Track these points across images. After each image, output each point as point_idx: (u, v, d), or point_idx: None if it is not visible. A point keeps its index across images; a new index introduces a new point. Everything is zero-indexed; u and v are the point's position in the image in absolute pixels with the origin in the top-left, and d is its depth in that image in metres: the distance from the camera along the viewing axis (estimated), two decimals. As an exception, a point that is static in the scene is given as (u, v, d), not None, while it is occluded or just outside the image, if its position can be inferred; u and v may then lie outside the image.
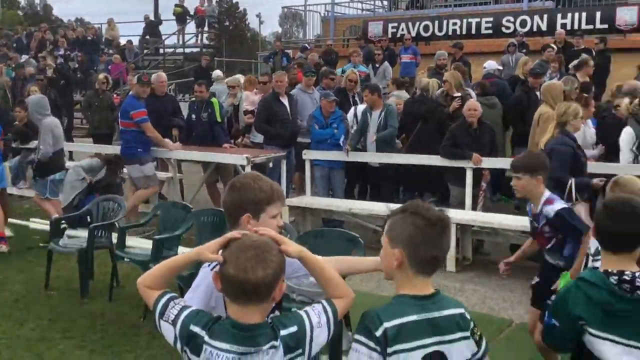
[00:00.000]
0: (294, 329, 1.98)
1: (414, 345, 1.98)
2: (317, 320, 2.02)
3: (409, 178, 7.93)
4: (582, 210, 5.08)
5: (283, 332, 1.96)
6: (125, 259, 5.72)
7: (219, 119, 8.57)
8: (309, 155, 8.10)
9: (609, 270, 2.43)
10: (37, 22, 28.16)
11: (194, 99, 8.84)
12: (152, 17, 23.06)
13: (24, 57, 18.89)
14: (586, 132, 6.86)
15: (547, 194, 3.99)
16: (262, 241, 1.99)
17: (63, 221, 6.49)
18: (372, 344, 1.96)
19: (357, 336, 2.01)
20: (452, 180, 7.33)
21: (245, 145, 9.20)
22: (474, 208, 7.20)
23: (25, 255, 7.17)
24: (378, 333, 1.96)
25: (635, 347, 2.39)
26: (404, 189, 8.33)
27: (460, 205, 7.19)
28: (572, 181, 5.19)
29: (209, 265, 2.32)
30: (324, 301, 2.06)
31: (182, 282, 5.13)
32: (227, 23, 67.96)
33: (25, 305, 5.72)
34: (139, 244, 6.18)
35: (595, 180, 5.20)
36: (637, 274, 2.40)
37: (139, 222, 6.58)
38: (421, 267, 2.05)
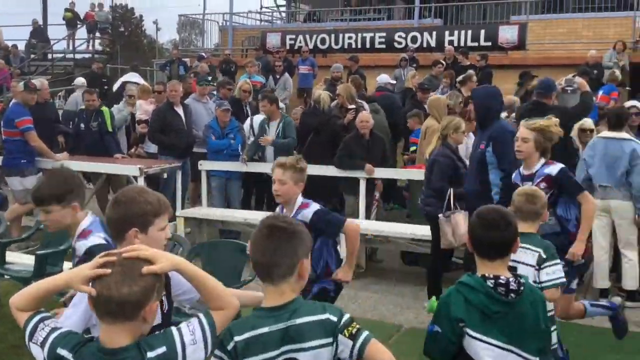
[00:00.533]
0: (162, 349, 1.88)
1: (261, 358, 2.03)
2: (190, 338, 1.92)
3: (305, 188, 8.00)
4: (460, 218, 5.40)
5: (150, 355, 1.86)
6: (5, 276, 5.40)
7: (109, 129, 8.29)
8: (205, 165, 8.00)
9: (486, 275, 2.59)
10: None
11: (82, 107, 8.49)
12: (40, 21, 21.98)
13: None
14: (469, 144, 7.24)
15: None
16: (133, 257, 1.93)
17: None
18: (225, 357, 2.04)
19: (215, 350, 2.05)
20: (346, 190, 7.50)
21: (139, 156, 8.96)
22: (368, 217, 7.39)
23: None
24: (229, 347, 2.03)
25: (508, 350, 2.56)
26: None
27: (355, 214, 7.36)
28: (451, 191, 5.51)
29: None
30: (200, 314, 2.00)
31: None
32: (122, 29, 66.00)
33: None
34: (21, 260, 5.86)
35: None
36: (510, 279, 2.58)
37: (21, 237, 6.23)
38: (259, 274, 2.13)
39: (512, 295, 2.53)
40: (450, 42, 15.00)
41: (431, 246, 5.95)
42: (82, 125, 8.39)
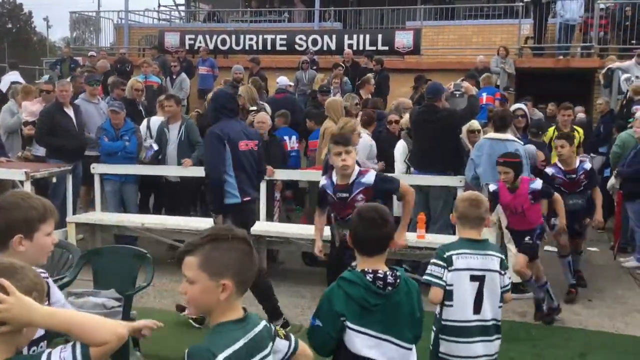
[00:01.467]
0: None
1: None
2: None
3: (203, 192, 7.90)
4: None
5: None
6: None
7: (-9, 131, 7.78)
8: (98, 169, 7.69)
9: (365, 269, 2.71)
10: None
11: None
12: None
13: None
14: (373, 146, 7.40)
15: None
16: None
17: None
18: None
19: None
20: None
21: (26, 159, 8.46)
22: (269, 218, 7.38)
23: None
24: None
25: (385, 340, 2.71)
26: (201, 201, 8.27)
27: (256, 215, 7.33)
28: None
29: None
30: (77, 342, 1.86)
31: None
32: (9, 25, 62.28)
33: None
34: None
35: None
36: (388, 273, 2.71)
37: None
38: (243, 290, 2.06)
39: (390, 288, 2.67)
40: (350, 46, 15.29)
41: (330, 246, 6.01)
42: (-39, 127, 7.82)
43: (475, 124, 7.10)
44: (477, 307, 3.37)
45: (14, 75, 11.44)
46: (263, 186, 7.20)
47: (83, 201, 8.57)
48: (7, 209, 2.26)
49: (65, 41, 28.55)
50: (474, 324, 3.38)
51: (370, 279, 2.68)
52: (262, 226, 7.02)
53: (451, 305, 3.37)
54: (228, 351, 1.96)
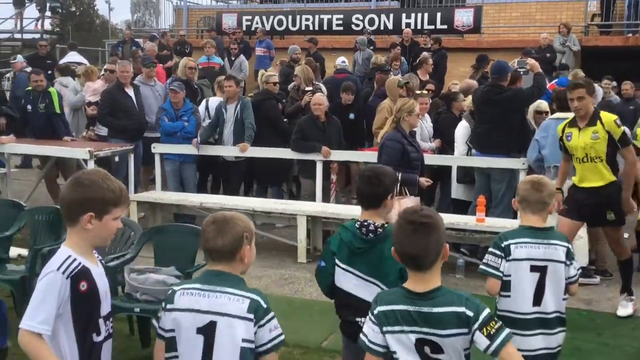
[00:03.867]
0: None
1: (397, 329, 2.33)
2: None
3: (260, 171, 7.93)
4: (407, 204, 5.38)
5: None
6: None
7: (57, 110, 7.99)
8: (158, 148, 7.82)
9: (359, 220, 3.12)
10: None
11: (29, 88, 8.18)
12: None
13: None
14: (424, 127, 7.25)
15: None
16: None
17: None
18: (374, 320, 2.38)
19: (369, 312, 2.42)
20: (303, 173, 7.45)
21: (90, 139, 8.71)
22: (326, 200, 7.36)
23: None
24: (375, 311, 2.38)
25: (370, 282, 3.05)
26: (257, 182, 8.32)
27: (312, 197, 7.33)
28: (399, 175, 5.46)
29: (58, 269, 2.23)
30: None
31: (14, 286, 4.76)
32: (73, 9, 64.07)
33: None
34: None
35: (422, 180, 5.52)
36: (377, 224, 3.05)
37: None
38: (406, 263, 2.38)
39: (371, 235, 3.04)
40: (407, 25, 14.99)
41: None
42: (29, 107, 8.08)
43: (543, 104, 6.83)
44: (537, 298, 3.20)
45: (73, 56, 11.72)
46: (319, 167, 7.18)
47: (143, 180, 8.74)
48: (86, 186, 2.29)
49: (126, 24, 29.13)
50: (533, 316, 3.20)
51: (358, 226, 3.08)
52: (318, 207, 7.01)
53: (508, 296, 3.22)
54: (386, 307, 2.36)
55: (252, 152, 7.50)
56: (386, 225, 3.06)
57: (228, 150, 7.65)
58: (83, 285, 2.26)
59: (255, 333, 2.31)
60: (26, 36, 19.86)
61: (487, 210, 6.29)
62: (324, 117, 7.19)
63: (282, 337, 2.38)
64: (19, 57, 11.57)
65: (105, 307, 2.39)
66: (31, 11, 20.51)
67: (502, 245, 3.22)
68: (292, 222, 7.07)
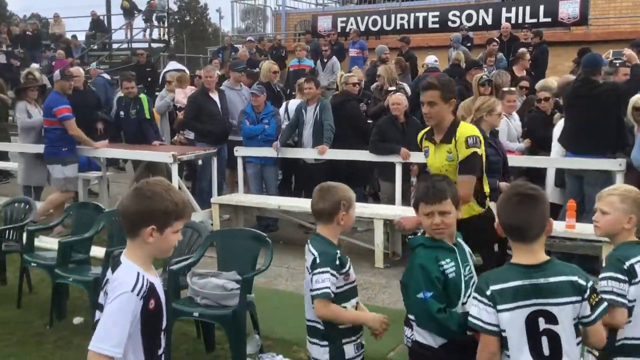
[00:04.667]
0: None
1: (513, 306, 2.34)
2: None
3: (340, 173, 7.79)
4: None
5: None
6: (32, 264, 5.45)
7: (147, 116, 8.30)
8: (240, 152, 7.90)
9: None
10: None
11: (121, 95, 8.55)
12: (104, 12, 22.60)
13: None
14: (511, 127, 6.82)
15: None
16: None
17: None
18: (485, 301, 2.38)
19: (474, 294, 2.47)
20: (381, 175, 7.23)
21: (181, 143, 8.97)
22: (405, 203, 7.10)
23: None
24: (488, 292, 2.38)
25: None
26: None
27: (391, 200, 7.10)
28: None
29: (133, 290, 2.16)
30: None
31: (87, 287, 4.93)
32: (187, 18, 67.28)
33: None
34: (54, 247, 5.91)
35: (502, 184, 5.11)
36: None
37: (49, 224, 6.29)
38: (510, 235, 2.44)
39: None
40: (508, 19, 14.34)
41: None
42: (122, 113, 8.44)
43: (643, 99, 6.19)
44: None
45: (173, 65, 12.19)
46: (399, 169, 6.94)
47: (229, 183, 8.88)
48: (148, 197, 2.21)
49: (237, 31, 30.11)
50: None
51: None
52: (396, 210, 6.77)
53: (629, 322, 2.75)
54: (500, 285, 2.39)
55: (330, 155, 7.38)
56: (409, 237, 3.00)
57: (307, 153, 7.57)
58: (152, 304, 2.22)
59: None
60: (136, 45, 21.00)
61: (578, 215, 5.78)
62: (403, 117, 6.94)
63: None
64: (93, 65, 12.20)
65: (165, 320, 2.35)
66: (140, 21, 21.69)
67: (624, 267, 2.72)
68: (371, 225, 6.88)
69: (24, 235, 5.70)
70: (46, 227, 6.17)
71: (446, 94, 3.88)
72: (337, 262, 2.90)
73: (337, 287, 2.90)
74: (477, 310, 2.42)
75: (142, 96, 8.45)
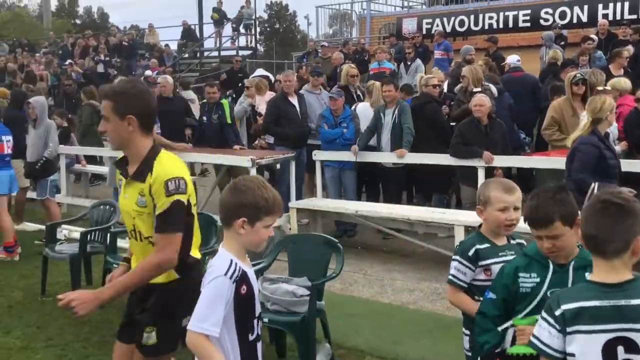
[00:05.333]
0: None
1: (590, 329, 2.04)
2: None
3: (421, 178, 7.58)
4: None
5: None
6: (114, 265, 5.59)
7: (229, 121, 8.41)
8: (319, 156, 7.84)
9: None
10: (93, 30, 28.76)
11: (205, 100, 8.72)
12: (196, 21, 23.43)
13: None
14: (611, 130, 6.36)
15: None
16: None
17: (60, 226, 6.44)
18: (552, 322, 2.11)
19: (542, 312, 2.18)
20: (463, 180, 6.94)
21: (261, 147, 9.05)
22: (488, 209, 6.77)
23: (33, 260, 7.14)
24: (557, 313, 2.09)
25: None
26: (418, 189, 7.97)
27: (473, 206, 6.79)
28: (595, 185, 4.72)
29: (226, 274, 2.32)
30: None
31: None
32: (277, 25, 68.69)
33: (18, 312, 5.67)
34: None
35: (624, 190, 4.71)
36: None
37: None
38: (589, 246, 2.14)
39: None
40: (605, 16, 13.54)
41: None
42: (205, 118, 8.60)
43: None
44: None
45: (260, 71, 12.36)
46: (481, 174, 6.63)
47: (307, 187, 8.84)
48: (242, 191, 2.37)
49: (324, 36, 30.39)
50: None
51: None
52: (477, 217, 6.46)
53: None
54: (574, 304, 2.08)
55: (409, 158, 7.17)
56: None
57: (385, 157, 7.40)
58: (244, 289, 2.38)
59: None
60: (225, 53, 21.53)
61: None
62: (486, 119, 6.63)
63: None
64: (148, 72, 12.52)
65: (258, 308, 2.51)
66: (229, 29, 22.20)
67: None
68: (452, 232, 6.62)
69: (108, 236, 5.88)
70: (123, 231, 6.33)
71: (121, 107, 2.78)
72: (471, 253, 2.91)
73: (476, 280, 2.91)
74: (539, 329, 2.17)
75: (224, 101, 8.59)
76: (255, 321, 2.47)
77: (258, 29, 21.52)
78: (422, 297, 5.80)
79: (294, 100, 8.08)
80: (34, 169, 7.76)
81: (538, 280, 2.53)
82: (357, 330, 4.86)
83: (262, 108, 8.95)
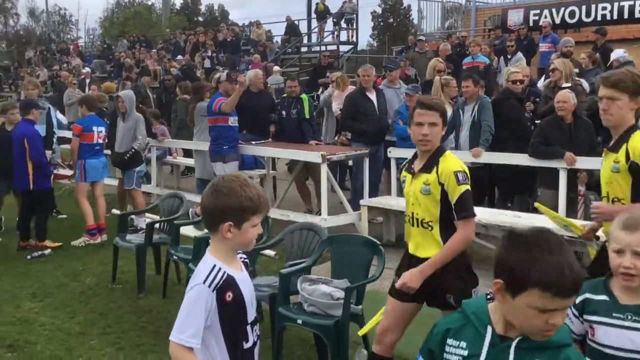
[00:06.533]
0: None
1: None
2: None
3: (500, 178, 7.11)
4: None
5: None
6: (174, 256, 5.69)
7: (307, 116, 8.33)
8: (393, 153, 7.58)
9: None
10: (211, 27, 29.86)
11: (284, 95, 8.71)
12: (300, 17, 23.71)
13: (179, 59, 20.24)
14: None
15: None
16: None
17: (132, 216, 6.66)
18: None
19: None
20: (542, 182, 6.43)
21: (342, 143, 8.91)
22: (571, 214, 6.24)
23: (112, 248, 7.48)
24: None
25: None
26: (499, 190, 7.49)
27: (555, 210, 6.27)
28: None
29: (205, 282, 2.24)
30: None
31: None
32: (391, 20, 68.08)
33: (86, 298, 5.93)
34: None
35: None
36: None
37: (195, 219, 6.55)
38: None
39: None
40: None
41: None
42: (284, 113, 8.58)
43: None
44: None
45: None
46: (563, 176, 6.10)
47: (385, 185, 8.59)
48: (224, 194, 2.27)
49: (437, 30, 29.77)
50: None
51: None
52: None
53: None
54: None
55: (485, 158, 6.75)
56: None
57: (462, 156, 6.94)
58: (229, 296, 2.27)
59: None
60: (328, 47, 21.54)
61: None
62: (570, 117, 6.09)
63: None
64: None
65: (252, 314, 2.38)
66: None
67: None
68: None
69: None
70: (194, 222, 6.44)
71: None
72: (578, 300, 2.49)
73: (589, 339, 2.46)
74: None
75: (304, 96, 8.53)
76: (249, 328, 2.35)
77: (370, 24, 21.29)
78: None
79: (372, 95, 7.86)
80: (122, 160, 8.10)
81: (465, 354, 1.84)
82: (406, 336, 4.61)
83: (338, 104, 8.80)
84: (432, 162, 3.30)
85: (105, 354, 4.71)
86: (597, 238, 3.60)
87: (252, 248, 2.40)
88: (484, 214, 6.54)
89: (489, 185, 7.36)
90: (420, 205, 3.34)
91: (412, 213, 3.39)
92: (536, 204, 3.62)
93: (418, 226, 3.37)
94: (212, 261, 2.30)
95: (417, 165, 3.38)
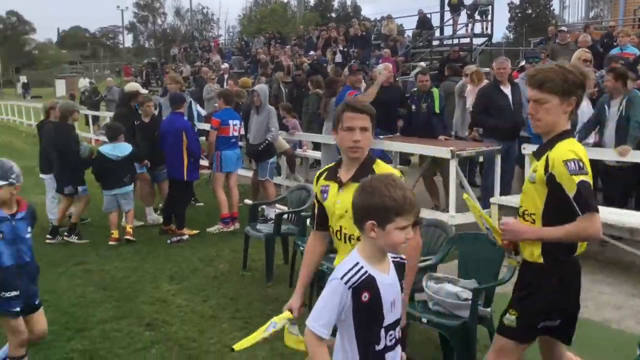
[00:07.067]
0: None
1: None
2: None
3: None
4: None
5: None
6: (301, 247, 5.79)
7: (437, 110, 8.17)
8: (528, 149, 7.20)
9: None
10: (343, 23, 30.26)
11: (415, 89, 8.57)
12: (433, 10, 23.26)
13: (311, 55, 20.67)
14: None
15: None
16: None
17: (263, 206, 6.87)
18: None
19: None
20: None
21: (473, 139, 8.64)
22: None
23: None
24: None
25: None
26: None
27: None
28: None
29: (342, 277, 2.25)
30: None
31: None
32: (529, 11, 65.03)
33: (219, 282, 6.21)
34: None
35: None
36: None
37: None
38: None
39: None
40: None
41: None
42: (414, 107, 8.46)
43: None
44: None
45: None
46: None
47: (518, 183, 8.20)
48: (368, 193, 2.26)
49: (582, 20, 28.12)
50: None
51: None
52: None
53: None
54: None
55: (633, 157, 6.23)
56: None
57: (607, 154, 6.53)
58: (365, 296, 2.25)
59: None
60: (461, 40, 20.99)
61: None
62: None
63: None
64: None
65: (390, 317, 2.33)
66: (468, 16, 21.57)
67: None
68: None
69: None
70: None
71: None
72: None
73: None
74: None
75: (435, 90, 8.36)
76: (382, 331, 2.31)
77: (507, 15, 20.51)
78: (629, 316, 5.03)
79: (506, 89, 7.54)
80: (257, 151, 8.40)
81: None
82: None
83: (472, 100, 8.52)
84: (364, 170, 2.84)
85: (234, 338, 4.87)
86: (517, 253, 3.07)
87: (400, 251, 2.34)
88: (624, 216, 6.08)
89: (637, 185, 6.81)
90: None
91: (341, 227, 2.90)
92: (465, 196, 3.15)
93: (346, 242, 2.90)
94: (356, 258, 2.30)
95: (345, 174, 2.95)
